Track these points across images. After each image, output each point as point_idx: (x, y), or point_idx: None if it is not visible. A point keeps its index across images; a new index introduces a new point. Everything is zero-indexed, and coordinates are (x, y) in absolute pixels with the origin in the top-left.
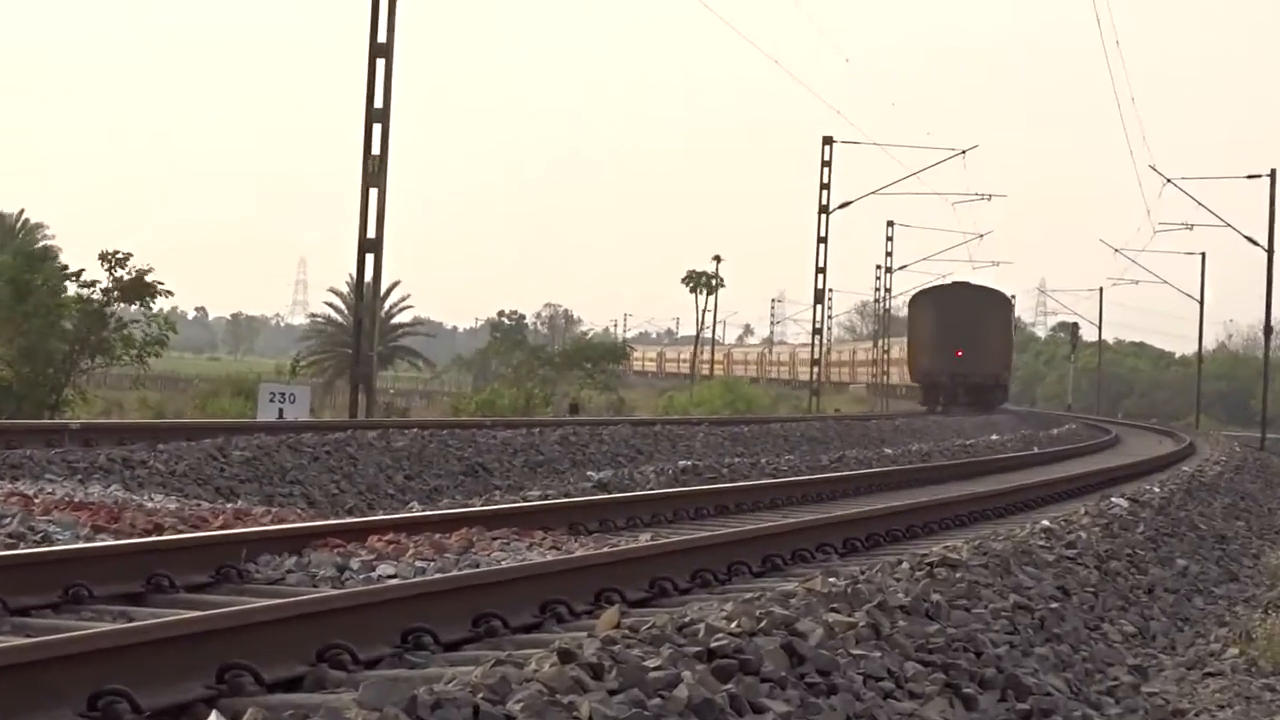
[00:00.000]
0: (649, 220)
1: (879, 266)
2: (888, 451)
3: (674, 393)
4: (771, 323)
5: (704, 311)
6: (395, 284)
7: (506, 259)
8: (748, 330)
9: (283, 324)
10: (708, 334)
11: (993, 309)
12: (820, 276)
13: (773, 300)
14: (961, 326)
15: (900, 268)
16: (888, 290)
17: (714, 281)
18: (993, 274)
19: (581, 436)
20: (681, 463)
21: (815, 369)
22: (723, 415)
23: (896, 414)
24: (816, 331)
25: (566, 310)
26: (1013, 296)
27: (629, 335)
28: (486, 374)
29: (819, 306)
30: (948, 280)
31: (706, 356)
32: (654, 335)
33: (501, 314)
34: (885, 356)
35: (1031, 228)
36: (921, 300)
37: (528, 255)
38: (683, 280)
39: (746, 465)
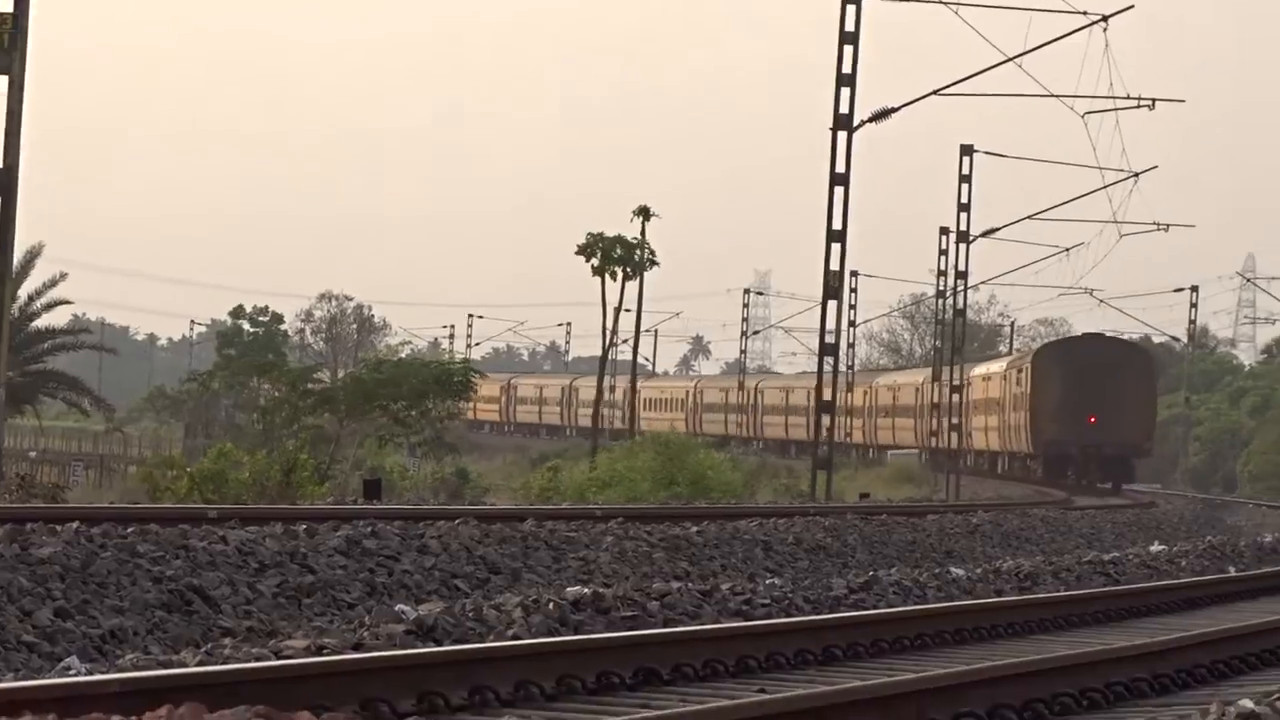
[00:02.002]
0: (518, 150)
1: (945, 231)
2: (957, 573)
3: (561, 460)
4: (744, 334)
5: (619, 312)
6: (35, 251)
7: (249, 221)
8: (698, 347)
9: None
10: (627, 355)
11: (1132, 367)
12: (836, 248)
13: (748, 292)
14: (1095, 388)
15: (986, 233)
16: (961, 275)
17: (639, 255)
18: (1159, 245)
19: (387, 540)
20: (574, 590)
21: (825, 420)
22: (651, 504)
23: (976, 502)
24: (828, 351)
25: (361, 306)
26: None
27: (477, 353)
28: (210, 423)
29: (833, 305)
30: (1077, 333)
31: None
32: (527, 355)
33: (239, 313)
34: (962, 399)
35: (1232, 163)
36: (1046, 356)
37: (290, 215)
38: (579, 251)
39: (693, 596)
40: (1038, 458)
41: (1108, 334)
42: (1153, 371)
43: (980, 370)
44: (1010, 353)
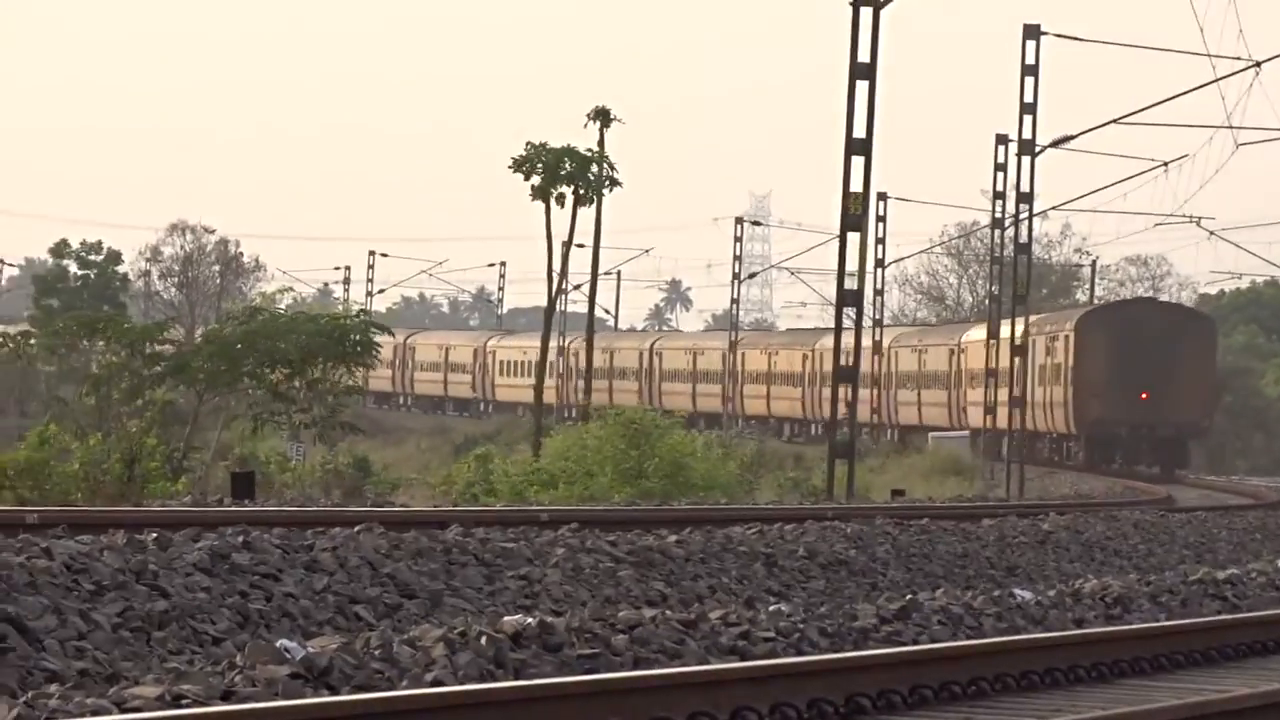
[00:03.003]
0: (436, 41)
1: (1004, 140)
2: (1023, 596)
3: (493, 447)
4: (737, 277)
5: (569, 249)
6: None
7: (77, 130)
8: (675, 294)
9: None
10: (580, 307)
11: (1190, 336)
12: (858, 164)
13: (740, 222)
14: (1149, 359)
15: (1057, 142)
16: (1025, 198)
17: (596, 172)
18: None
19: (264, 553)
20: (513, 619)
21: (843, 393)
22: (615, 505)
23: (1046, 502)
24: (848, 299)
25: (225, 242)
26: None
27: (381, 302)
28: (26, 398)
29: (854, 239)
30: (1127, 297)
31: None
32: (447, 305)
33: (62, 250)
34: (1026, 366)
35: None
36: (1092, 324)
37: (131, 122)
38: (515, 167)
39: (672, 629)
40: (1078, 439)
41: (1162, 300)
42: (1214, 341)
43: (975, 334)
44: (1076, 303)
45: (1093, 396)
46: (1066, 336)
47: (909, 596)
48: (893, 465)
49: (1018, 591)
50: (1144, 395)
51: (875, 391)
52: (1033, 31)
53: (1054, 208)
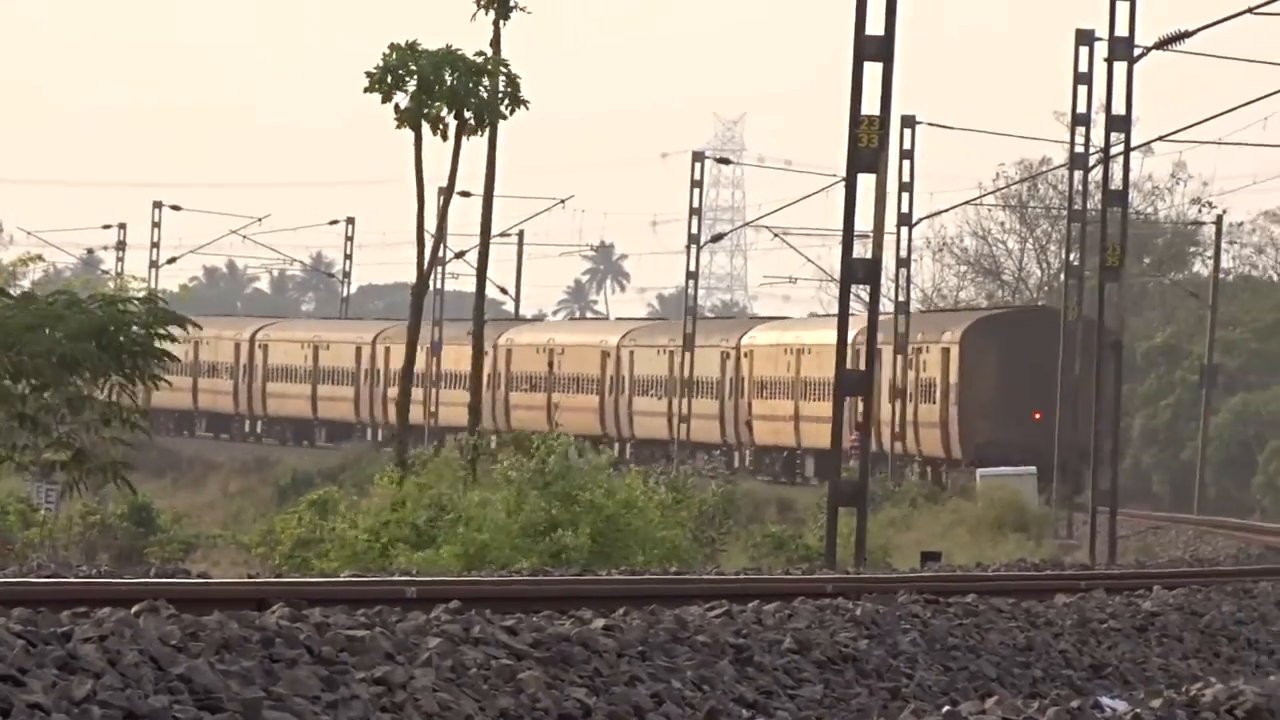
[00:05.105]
0: None
1: (1086, 39)
2: (1113, 708)
3: (335, 489)
4: (694, 241)
5: (449, 198)
6: None
7: None
8: (606, 265)
9: None
10: (448, 282)
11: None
12: (873, 73)
13: (701, 160)
14: (1040, 377)
15: (1165, 43)
16: (1119, 123)
17: (488, 88)
18: None
19: (0, 645)
20: None
21: (851, 411)
22: (514, 574)
23: (1147, 569)
24: (859, 272)
25: None
26: None
27: (172, 278)
28: None
29: (867, 183)
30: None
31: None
32: (267, 281)
33: None
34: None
35: None
36: (978, 334)
37: None
38: (373, 86)
39: None
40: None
41: None
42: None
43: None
44: (1194, 276)
45: (981, 418)
46: (946, 349)
47: (947, 708)
48: (924, 517)
49: (1106, 701)
50: (1036, 416)
51: (900, 407)
52: None
53: (1161, 138)
